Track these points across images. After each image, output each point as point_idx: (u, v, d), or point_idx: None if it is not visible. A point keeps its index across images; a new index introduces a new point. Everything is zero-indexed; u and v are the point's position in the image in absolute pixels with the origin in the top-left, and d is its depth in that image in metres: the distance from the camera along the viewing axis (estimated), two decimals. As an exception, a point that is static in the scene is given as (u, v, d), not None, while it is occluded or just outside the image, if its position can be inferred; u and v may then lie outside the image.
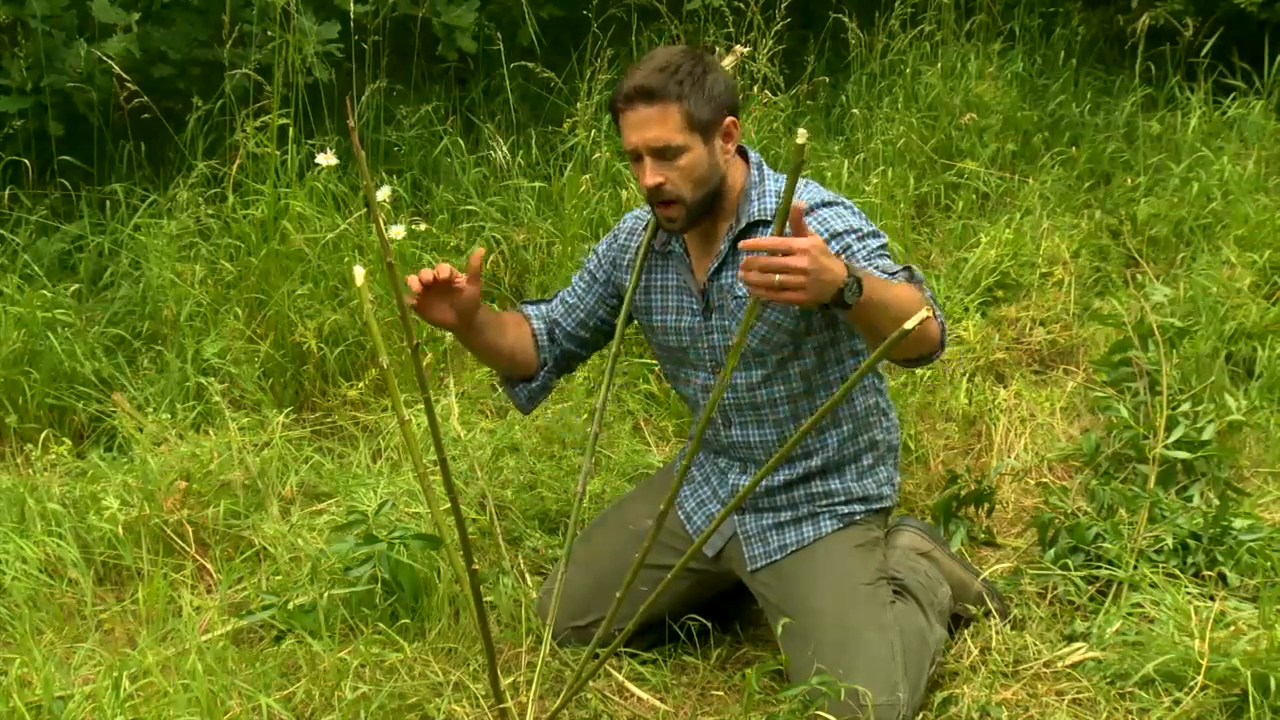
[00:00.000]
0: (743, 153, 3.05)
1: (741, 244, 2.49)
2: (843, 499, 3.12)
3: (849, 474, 3.13)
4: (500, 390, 3.30)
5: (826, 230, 2.89)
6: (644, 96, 2.88)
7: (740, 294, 2.99)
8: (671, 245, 3.11)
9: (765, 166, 3.07)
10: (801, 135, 2.32)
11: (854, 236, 2.89)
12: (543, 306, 3.28)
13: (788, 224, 2.46)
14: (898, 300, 2.61)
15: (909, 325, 2.22)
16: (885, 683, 2.85)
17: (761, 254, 2.45)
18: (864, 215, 2.99)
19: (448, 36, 5.54)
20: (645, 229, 3.17)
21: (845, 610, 2.96)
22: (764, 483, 3.10)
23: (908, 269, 2.79)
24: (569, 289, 3.28)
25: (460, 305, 2.94)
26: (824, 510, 3.11)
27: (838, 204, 2.98)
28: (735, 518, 3.15)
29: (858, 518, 3.12)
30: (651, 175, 2.90)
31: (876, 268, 2.80)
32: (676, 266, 3.12)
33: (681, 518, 3.23)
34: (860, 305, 2.53)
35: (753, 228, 2.99)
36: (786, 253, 2.42)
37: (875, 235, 2.92)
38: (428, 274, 2.87)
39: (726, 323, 3.05)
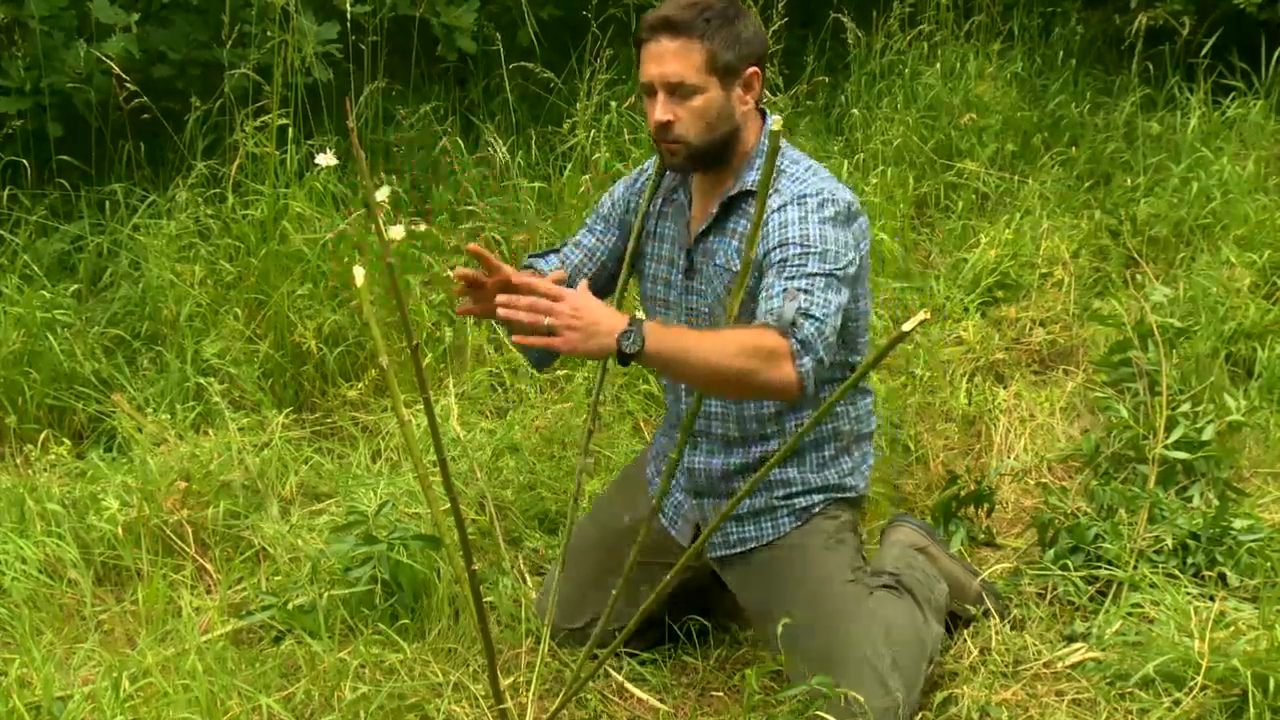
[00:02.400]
0: (762, 114, 2.98)
1: (516, 279, 2.52)
2: (800, 489, 3.02)
3: (808, 464, 3.03)
4: (518, 351, 3.22)
5: (776, 238, 2.78)
6: (668, 29, 2.83)
7: (719, 261, 2.93)
8: (678, 194, 3.05)
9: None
10: (776, 122, 2.31)
11: (797, 249, 2.74)
12: (553, 258, 3.16)
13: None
14: (703, 351, 2.56)
15: (907, 328, 2.20)
16: (876, 683, 2.82)
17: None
18: (839, 228, 2.81)
19: (447, 37, 5.54)
20: (650, 178, 3.11)
21: (822, 619, 2.90)
22: (720, 466, 3.04)
23: (783, 314, 2.66)
24: (583, 234, 3.17)
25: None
26: (781, 504, 3.02)
27: (817, 205, 2.81)
28: (695, 501, 3.10)
29: (816, 509, 3.02)
30: (662, 111, 2.84)
31: (785, 290, 2.68)
32: (675, 218, 3.06)
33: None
34: (646, 358, 2.51)
35: (742, 196, 2.92)
36: (556, 299, 2.45)
37: (825, 258, 2.74)
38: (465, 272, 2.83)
39: (703, 287, 2.98)
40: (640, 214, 3.08)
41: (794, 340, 2.63)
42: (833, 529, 3.04)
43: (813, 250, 2.76)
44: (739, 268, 2.87)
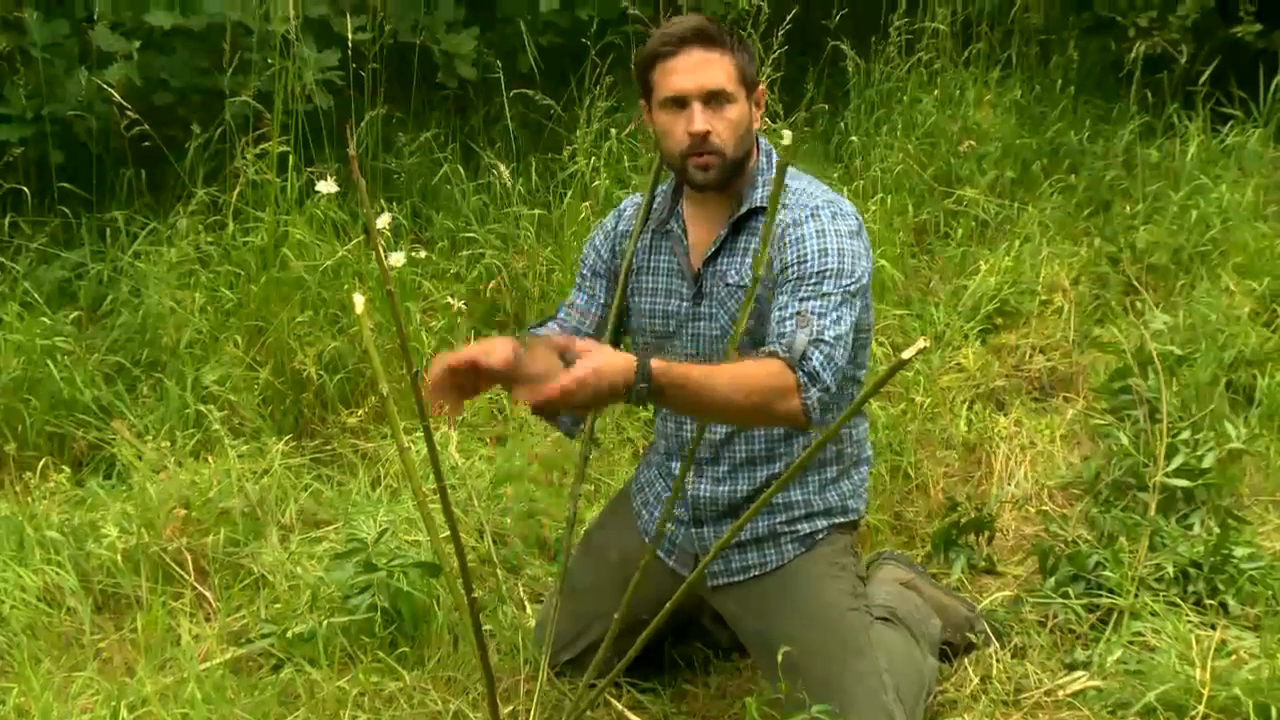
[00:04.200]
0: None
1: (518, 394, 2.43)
2: (803, 512, 2.99)
3: (812, 485, 3.01)
4: (545, 423, 3.11)
5: (793, 253, 2.78)
6: (701, 39, 2.80)
7: (731, 281, 2.91)
8: (670, 225, 3.00)
9: (775, 155, 2.95)
10: (786, 136, 2.31)
11: (814, 267, 2.75)
12: (551, 325, 3.10)
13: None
14: (712, 390, 2.53)
15: (906, 356, 2.20)
16: (881, 713, 2.80)
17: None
18: (854, 239, 2.82)
19: (447, 63, 5.55)
20: (638, 210, 3.07)
21: (828, 648, 2.87)
22: (726, 494, 3.00)
23: (794, 345, 2.65)
24: (575, 296, 3.13)
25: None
26: (785, 530, 2.99)
27: (831, 216, 2.82)
28: (694, 531, 3.07)
29: (820, 535, 3.00)
30: (701, 121, 2.79)
31: (798, 314, 2.70)
32: (673, 247, 3.00)
33: (642, 537, 3.13)
34: (656, 400, 2.49)
35: (753, 214, 2.90)
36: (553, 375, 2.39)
37: (841, 275, 2.75)
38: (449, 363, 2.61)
39: (715, 310, 2.94)
40: (630, 250, 3.04)
41: (801, 374, 2.62)
42: (834, 554, 3.02)
43: (829, 269, 2.76)
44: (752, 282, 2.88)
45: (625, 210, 3.13)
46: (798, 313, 2.70)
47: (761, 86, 2.92)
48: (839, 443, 3.03)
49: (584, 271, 3.14)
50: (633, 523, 3.18)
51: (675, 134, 2.84)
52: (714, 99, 2.80)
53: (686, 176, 2.90)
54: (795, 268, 2.77)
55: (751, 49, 2.89)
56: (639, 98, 2.96)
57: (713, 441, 3.01)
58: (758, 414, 2.63)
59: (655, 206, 3.05)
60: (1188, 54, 5.77)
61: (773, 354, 2.65)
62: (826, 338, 2.67)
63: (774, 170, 2.91)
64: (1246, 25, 5.85)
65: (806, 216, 2.82)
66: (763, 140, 2.98)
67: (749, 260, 2.90)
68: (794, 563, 3.00)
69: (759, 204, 2.90)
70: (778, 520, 3.00)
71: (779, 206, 2.85)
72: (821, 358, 2.64)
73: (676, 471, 3.05)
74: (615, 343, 3.09)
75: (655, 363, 2.48)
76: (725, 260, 2.93)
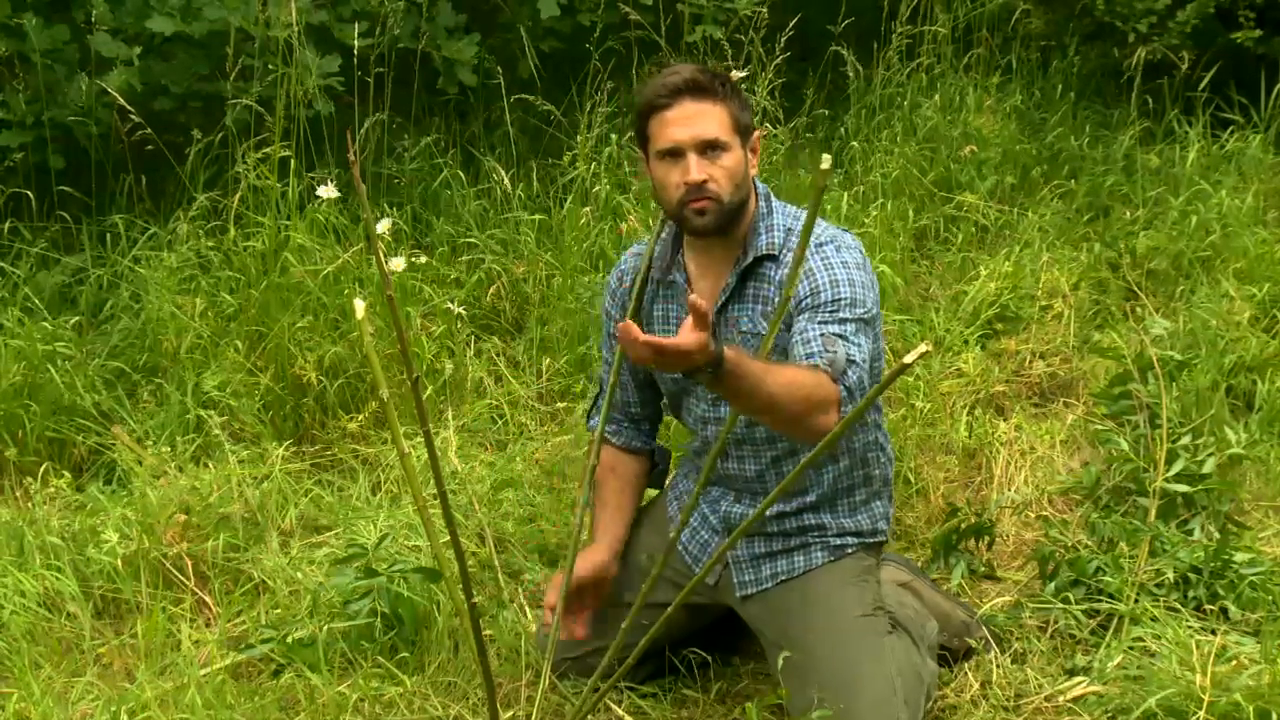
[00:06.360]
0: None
1: (634, 340, 2.40)
2: (835, 532, 3.06)
3: (841, 510, 3.07)
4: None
5: (805, 286, 2.84)
6: (694, 91, 2.86)
7: (745, 329, 2.96)
8: (673, 275, 3.06)
9: (773, 198, 3.02)
10: (825, 160, 2.31)
11: (828, 296, 2.82)
12: (601, 406, 3.16)
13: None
14: (770, 385, 2.56)
15: (908, 360, 2.20)
16: (888, 718, 2.83)
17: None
18: (860, 271, 2.89)
19: (448, 70, 5.56)
20: (642, 260, 3.11)
21: (843, 646, 2.92)
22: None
23: (836, 360, 2.71)
24: (609, 372, 3.17)
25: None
26: (815, 541, 3.05)
27: (835, 250, 2.89)
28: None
29: (849, 550, 3.06)
30: (699, 169, 2.84)
31: (823, 336, 2.75)
32: (679, 297, 3.06)
33: (678, 549, 3.18)
34: (722, 373, 2.48)
35: (760, 262, 2.96)
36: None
37: (855, 305, 2.82)
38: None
39: None
40: (635, 294, 3.07)
41: (843, 388, 2.69)
42: (860, 569, 3.07)
43: (843, 297, 2.83)
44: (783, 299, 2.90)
45: (626, 262, 3.19)
46: (823, 335, 2.76)
47: (757, 134, 2.97)
48: (865, 466, 3.09)
49: (608, 341, 3.20)
50: (665, 527, 3.21)
51: (672, 184, 2.89)
52: (709, 149, 2.86)
53: (685, 223, 2.95)
54: (809, 299, 2.84)
55: (745, 97, 2.95)
56: (637, 148, 3.02)
57: (744, 476, 3.07)
58: (797, 421, 2.66)
59: (656, 256, 3.09)
60: (1188, 60, 5.76)
61: (815, 367, 2.68)
62: (857, 358, 2.74)
63: (774, 214, 2.99)
64: (1247, 31, 5.85)
65: (811, 252, 2.87)
66: (760, 185, 3.02)
67: (758, 308, 2.96)
68: (820, 569, 3.05)
69: (764, 252, 2.96)
70: (810, 536, 3.06)
71: (782, 250, 2.94)
72: (856, 377, 2.72)
73: (714, 493, 3.15)
74: (654, 403, 3.24)
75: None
76: (736, 308, 2.99)
